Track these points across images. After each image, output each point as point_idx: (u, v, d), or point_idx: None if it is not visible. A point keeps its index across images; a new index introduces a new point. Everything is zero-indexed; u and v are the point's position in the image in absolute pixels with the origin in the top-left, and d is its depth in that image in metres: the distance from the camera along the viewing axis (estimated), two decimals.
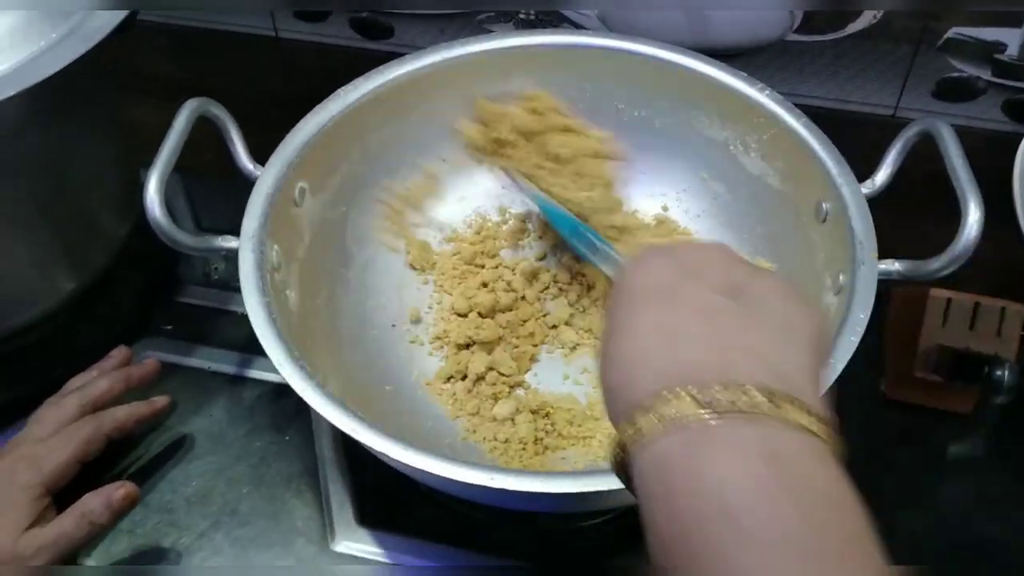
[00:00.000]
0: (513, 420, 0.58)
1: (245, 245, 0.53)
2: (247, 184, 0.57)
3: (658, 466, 0.29)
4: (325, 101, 0.60)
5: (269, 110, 0.61)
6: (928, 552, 0.56)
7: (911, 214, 0.58)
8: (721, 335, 0.31)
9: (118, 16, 0.52)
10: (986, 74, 0.63)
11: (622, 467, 0.31)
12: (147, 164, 0.68)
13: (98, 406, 0.57)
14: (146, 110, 0.77)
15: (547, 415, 0.58)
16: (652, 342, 0.32)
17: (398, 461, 0.44)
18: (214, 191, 0.71)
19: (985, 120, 0.65)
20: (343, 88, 0.61)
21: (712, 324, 0.32)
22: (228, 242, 0.54)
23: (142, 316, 0.67)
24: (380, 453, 0.45)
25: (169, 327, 0.67)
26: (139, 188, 0.67)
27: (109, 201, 0.65)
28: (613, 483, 0.43)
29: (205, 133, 0.58)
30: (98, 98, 0.62)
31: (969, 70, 0.64)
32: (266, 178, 0.56)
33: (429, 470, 0.44)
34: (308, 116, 0.59)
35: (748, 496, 0.27)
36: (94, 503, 0.52)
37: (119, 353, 0.61)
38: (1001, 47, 0.62)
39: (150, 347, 0.65)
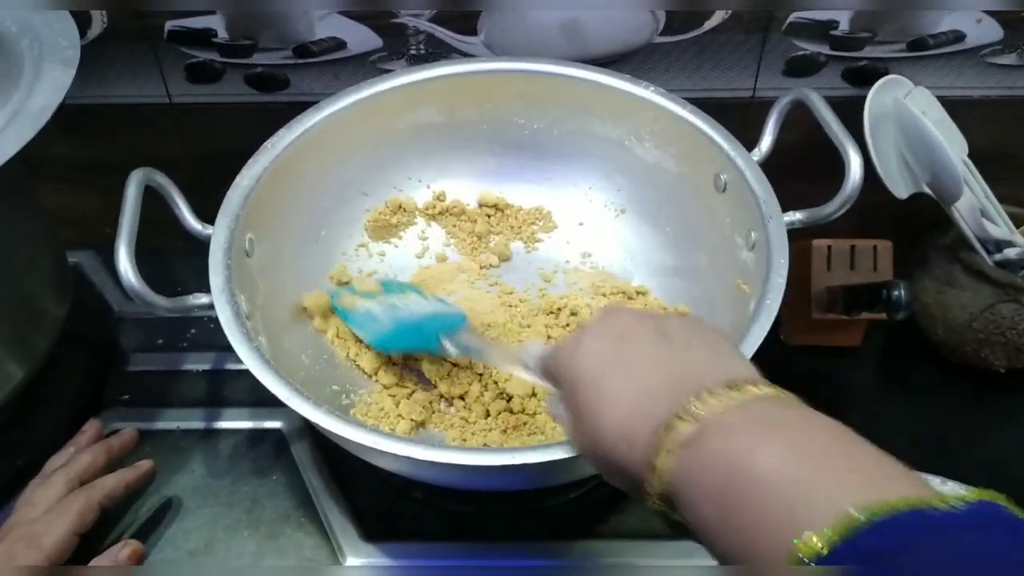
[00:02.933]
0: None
1: (219, 298, 0.55)
2: (171, 247, 0.61)
3: (700, 470, 0.35)
4: (256, 154, 0.63)
5: (178, 175, 0.63)
6: None
7: (785, 178, 0.67)
8: (676, 371, 0.40)
9: (59, 96, 0.53)
10: (825, 49, 0.73)
11: (662, 500, 0.38)
12: (72, 246, 0.70)
13: (84, 479, 0.58)
14: (56, 193, 0.78)
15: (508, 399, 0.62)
16: (630, 398, 0.40)
17: (431, 462, 0.48)
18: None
19: (830, 89, 0.75)
20: (269, 140, 0.64)
21: (665, 367, 0.40)
22: (199, 299, 0.56)
23: (94, 393, 0.68)
24: (418, 460, 0.48)
25: (125, 397, 0.68)
26: (69, 269, 0.68)
27: (45, 285, 0.65)
28: None
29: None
30: (20, 183, 0.62)
31: (811, 48, 0.73)
32: (219, 234, 0.59)
33: (456, 462, 0.48)
34: (243, 170, 0.62)
35: (769, 456, 0.34)
36: (103, 572, 0.53)
37: (91, 427, 0.62)
38: (835, 24, 0.72)
39: (112, 419, 0.66)
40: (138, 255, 0.55)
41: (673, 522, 0.38)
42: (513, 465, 0.48)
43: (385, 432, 0.51)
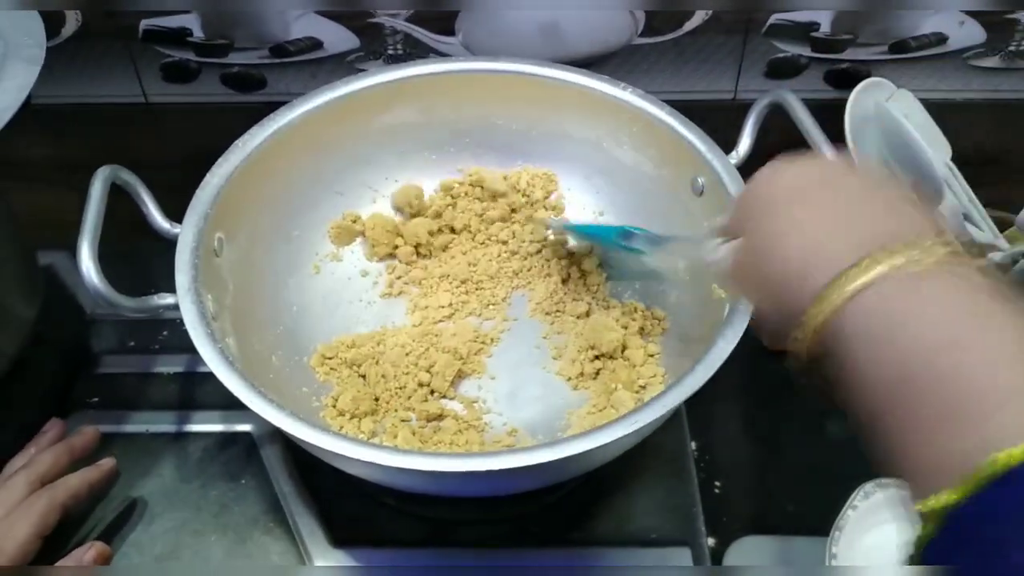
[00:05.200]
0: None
1: (184, 297, 0.54)
2: (148, 249, 0.59)
3: (872, 317, 0.32)
4: (226, 152, 0.62)
5: (154, 175, 0.63)
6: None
7: None
8: (877, 214, 0.36)
9: (22, 95, 0.53)
10: (806, 51, 0.73)
11: (814, 346, 0.35)
12: (46, 247, 0.69)
13: (46, 480, 0.56)
14: (30, 194, 0.77)
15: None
16: (825, 228, 0.36)
17: (396, 468, 0.47)
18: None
19: (812, 91, 0.74)
20: (240, 139, 0.63)
21: (870, 208, 0.37)
22: (164, 299, 0.55)
23: (63, 395, 0.67)
24: (382, 465, 0.47)
25: (95, 399, 0.67)
26: (40, 271, 0.68)
27: (13, 287, 0.64)
28: (580, 447, 0.48)
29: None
30: None
31: (792, 49, 0.73)
32: (186, 233, 0.58)
33: (420, 468, 0.47)
34: (213, 169, 0.61)
35: (963, 321, 0.31)
36: (67, 572, 0.52)
37: (53, 427, 0.61)
38: (816, 26, 0.71)
39: (81, 422, 0.64)
40: (113, 257, 0.54)
41: (809, 377, 0.36)
42: (479, 471, 0.47)
43: (350, 436, 0.50)
